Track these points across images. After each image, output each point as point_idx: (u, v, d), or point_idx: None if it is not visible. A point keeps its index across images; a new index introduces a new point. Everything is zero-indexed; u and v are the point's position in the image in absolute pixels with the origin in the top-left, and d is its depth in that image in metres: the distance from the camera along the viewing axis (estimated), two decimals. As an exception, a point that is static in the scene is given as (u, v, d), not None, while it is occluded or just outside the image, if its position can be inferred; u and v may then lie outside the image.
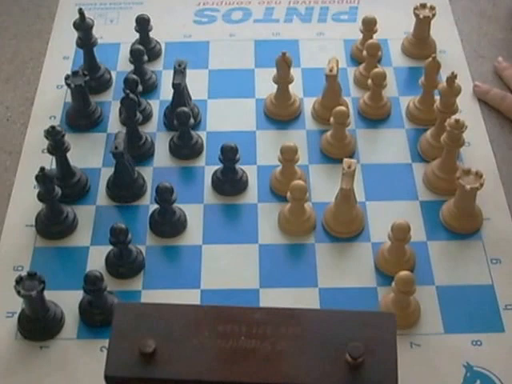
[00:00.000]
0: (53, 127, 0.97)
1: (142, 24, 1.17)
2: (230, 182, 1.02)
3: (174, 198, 0.96)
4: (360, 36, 1.18)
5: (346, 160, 0.95)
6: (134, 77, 1.07)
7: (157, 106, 1.13)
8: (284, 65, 1.07)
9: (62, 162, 1.01)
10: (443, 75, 1.13)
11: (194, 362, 0.69)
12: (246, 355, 0.69)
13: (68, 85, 1.06)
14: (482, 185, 0.94)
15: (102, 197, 1.02)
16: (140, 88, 1.06)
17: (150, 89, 1.15)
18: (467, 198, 0.97)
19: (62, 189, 0.96)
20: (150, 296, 0.92)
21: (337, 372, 0.67)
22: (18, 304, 0.90)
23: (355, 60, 1.19)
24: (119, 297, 0.91)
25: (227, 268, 0.95)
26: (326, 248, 0.97)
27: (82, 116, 1.10)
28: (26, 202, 1.01)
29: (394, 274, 0.88)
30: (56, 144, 0.98)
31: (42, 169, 0.93)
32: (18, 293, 0.84)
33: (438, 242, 0.97)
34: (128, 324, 0.72)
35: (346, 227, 0.98)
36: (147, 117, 1.11)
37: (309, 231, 0.98)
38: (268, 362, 0.69)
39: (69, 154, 1.00)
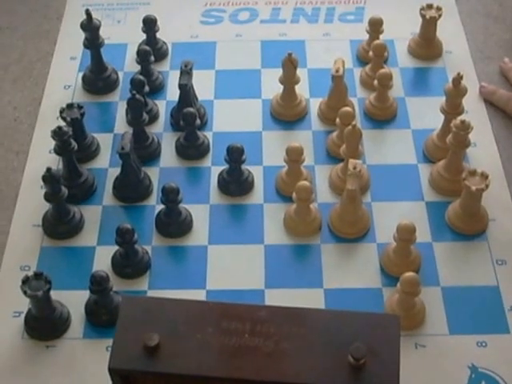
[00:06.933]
0: (60, 127, 0.98)
1: (149, 24, 1.17)
2: (235, 183, 1.03)
3: (179, 198, 0.96)
4: (366, 36, 1.19)
5: (351, 161, 0.95)
6: (141, 77, 1.07)
7: (163, 106, 1.14)
8: (290, 65, 1.08)
9: (69, 162, 1.01)
10: (449, 76, 1.13)
11: (197, 357, 0.70)
12: (249, 353, 0.70)
13: (63, 118, 1.03)
14: (487, 186, 0.94)
15: (108, 197, 1.03)
16: (147, 88, 1.07)
17: (157, 89, 1.15)
18: (473, 199, 0.97)
19: (68, 189, 0.96)
20: (156, 296, 0.92)
21: (338, 372, 0.68)
22: (24, 304, 0.90)
23: (361, 60, 1.20)
24: (125, 297, 0.92)
25: (233, 268, 0.96)
26: (331, 248, 0.97)
27: (78, 149, 1.02)
28: (33, 202, 1.02)
29: (399, 274, 0.88)
30: (63, 144, 0.98)
31: (49, 169, 0.93)
32: (25, 293, 0.84)
33: (443, 242, 0.98)
34: (133, 317, 0.72)
35: (351, 228, 0.98)
36: (154, 117, 1.11)
37: (314, 232, 0.99)
38: (270, 360, 0.69)
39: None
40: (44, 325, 0.89)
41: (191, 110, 1.04)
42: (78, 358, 0.88)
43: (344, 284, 0.94)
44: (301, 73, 1.11)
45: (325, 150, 1.08)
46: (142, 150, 1.05)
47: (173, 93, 1.13)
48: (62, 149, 0.99)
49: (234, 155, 1.00)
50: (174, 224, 0.98)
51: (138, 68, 1.14)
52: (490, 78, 1.17)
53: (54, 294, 0.89)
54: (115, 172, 1.03)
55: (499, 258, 0.96)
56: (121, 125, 1.11)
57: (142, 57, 1.12)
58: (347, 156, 0.99)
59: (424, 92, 1.15)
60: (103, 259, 0.96)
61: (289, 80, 1.10)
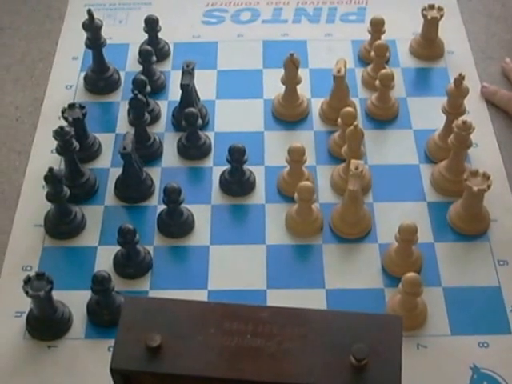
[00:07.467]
0: (61, 127, 0.98)
1: (151, 24, 1.17)
2: (237, 183, 1.03)
3: (181, 198, 0.96)
4: (368, 37, 1.19)
5: (353, 161, 0.95)
6: (143, 77, 1.07)
7: (165, 106, 1.14)
8: (292, 66, 1.08)
9: (71, 162, 1.01)
10: (451, 76, 1.14)
11: (199, 358, 0.70)
12: (251, 353, 0.70)
13: (65, 118, 1.03)
14: (489, 186, 0.94)
15: (110, 197, 1.03)
16: (148, 89, 1.07)
17: (159, 89, 1.15)
18: (474, 200, 0.97)
19: (70, 189, 0.96)
20: (158, 296, 0.92)
21: (341, 373, 0.68)
22: (26, 304, 0.90)
23: (363, 61, 1.20)
24: (127, 297, 0.92)
25: (234, 268, 0.96)
26: (333, 249, 0.97)
27: (80, 149, 1.02)
28: (34, 201, 1.02)
29: (400, 275, 0.88)
30: (65, 144, 0.98)
31: (51, 169, 0.93)
32: (27, 293, 0.84)
33: (445, 243, 0.98)
34: (135, 318, 0.72)
35: (353, 228, 0.98)
36: (155, 117, 1.11)
37: (316, 232, 0.99)
38: (272, 361, 0.69)
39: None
40: (46, 325, 0.89)
41: (193, 110, 1.04)
42: (80, 358, 0.88)
43: (346, 284, 0.94)
44: (302, 73, 1.11)
45: (326, 151, 1.08)
46: (143, 150, 1.05)
47: (174, 93, 1.13)
48: (63, 149, 0.99)
49: (236, 155, 1.00)
50: (175, 224, 0.98)
51: (139, 68, 1.14)
52: (491, 79, 1.17)
53: (56, 294, 0.89)
54: (117, 172, 1.03)
55: (501, 259, 0.96)
56: (122, 125, 1.11)
57: (143, 57, 1.12)
58: (349, 156, 0.99)
59: (426, 92, 1.16)
60: (105, 259, 0.96)
61: (290, 80, 1.10)
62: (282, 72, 1.09)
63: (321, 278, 0.94)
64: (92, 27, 1.11)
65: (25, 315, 0.91)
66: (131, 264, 0.94)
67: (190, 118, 1.04)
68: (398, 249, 0.93)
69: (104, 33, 1.13)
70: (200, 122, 1.05)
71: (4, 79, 1.19)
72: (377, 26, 1.16)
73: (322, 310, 0.85)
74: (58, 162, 1.05)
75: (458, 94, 1.02)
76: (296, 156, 0.99)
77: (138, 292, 0.93)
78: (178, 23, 1.26)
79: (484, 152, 1.07)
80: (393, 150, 1.08)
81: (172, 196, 0.96)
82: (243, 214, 1.02)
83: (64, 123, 1.02)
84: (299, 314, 0.73)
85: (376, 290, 0.93)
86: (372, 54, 1.14)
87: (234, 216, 1.01)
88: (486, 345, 0.88)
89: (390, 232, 0.94)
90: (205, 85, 1.15)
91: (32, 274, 0.86)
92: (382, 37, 1.17)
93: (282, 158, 1.00)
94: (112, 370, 0.70)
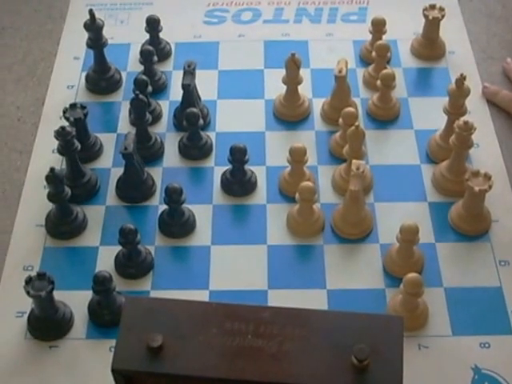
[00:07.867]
0: (63, 128, 0.98)
1: (152, 24, 1.17)
2: (238, 183, 1.03)
3: (183, 198, 0.96)
4: (369, 37, 1.19)
5: (354, 161, 0.95)
6: (144, 78, 1.07)
7: (166, 106, 1.14)
8: (293, 66, 1.08)
9: (72, 162, 1.01)
10: (452, 76, 1.14)
11: (201, 358, 0.70)
12: (252, 354, 0.70)
13: (67, 118, 1.03)
14: (490, 187, 0.94)
15: (111, 197, 1.03)
16: (150, 89, 1.07)
17: (160, 89, 1.15)
18: (476, 200, 0.97)
19: (71, 189, 0.96)
20: (159, 296, 0.92)
21: (342, 374, 0.68)
22: (27, 304, 0.90)
23: (364, 61, 1.20)
24: (128, 297, 0.92)
25: (236, 269, 0.96)
26: (334, 249, 0.97)
27: (82, 149, 1.01)
28: (36, 201, 1.02)
29: (402, 275, 0.88)
30: (66, 144, 0.98)
31: (52, 169, 0.93)
32: (28, 293, 0.84)
33: (446, 243, 0.98)
34: (137, 318, 0.72)
35: (354, 228, 0.98)
36: (157, 117, 1.11)
37: (317, 232, 0.99)
38: (274, 361, 0.69)
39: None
40: (47, 325, 0.89)
41: (194, 110, 1.04)
42: (81, 358, 0.88)
43: (347, 285, 0.94)
44: (304, 73, 1.11)
45: (328, 151, 1.08)
46: (145, 150, 1.05)
47: (176, 93, 1.13)
48: (65, 149, 0.99)
49: (237, 155, 1.00)
50: (176, 224, 0.98)
51: (141, 68, 1.14)
52: (492, 79, 1.17)
53: (57, 295, 0.89)
54: (118, 172, 1.03)
55: (502, 259, 0.96)
56: (124, 125, 1.11)
57: (145, 57, 1.12)
58: (350, 156, 0.99)
59: (427, 92, 1.15)
60: (106, 259, 0.96)
61: (292, 80, 1.10)
62: (283, 72, 1.09)
63: (322, 279, 0.94)
64: (93, 27, 1.11)
65: (26, 315, 0.91)
66: (132, 264, 0.94)
67: (192, 118, 1.04)
68: (399, 249, 0.93)
69: (105, 33, 1.13)
70: (201, 122, 1.05)
71: (5, 79, 1.19)
72: (378, 26, 1.16)
73: (323, 311, 0.85)
74: (59, 162, 1.05)
75: (459, 94, 1.02)
76: (297, 156, 0.99)
77: (139, 292, 0.93)
78: (180, 23, 1.27)
79: (485, 152, 1.07)
80: (394, 150, 1.08)
81: (173, 196, 0.96)
82: (244, 214, 1.02)
83: (65, 123, 1.02)
84: (300, 314, 0.73)
85: (377, 291, 0.93)
86: (373, 54, 1.14)
87: (235, 216, 1.02)
88: (487, 345, 0.88)
89: (391, 232, 0.94)
90: (206, 85, 1.15)
91: (33, 274, 0.86)
92: (384, 37, 1.17)
93: (284, 158, 1.00)
94: (113, 371, 0.70)
